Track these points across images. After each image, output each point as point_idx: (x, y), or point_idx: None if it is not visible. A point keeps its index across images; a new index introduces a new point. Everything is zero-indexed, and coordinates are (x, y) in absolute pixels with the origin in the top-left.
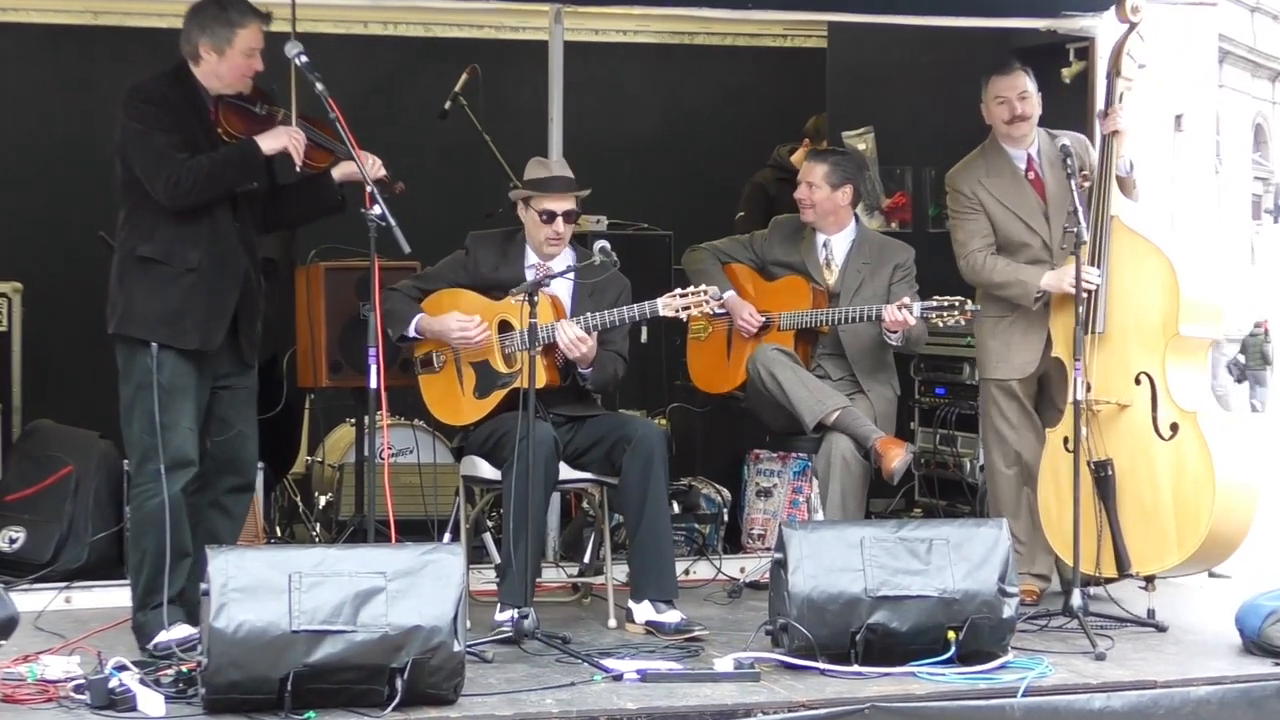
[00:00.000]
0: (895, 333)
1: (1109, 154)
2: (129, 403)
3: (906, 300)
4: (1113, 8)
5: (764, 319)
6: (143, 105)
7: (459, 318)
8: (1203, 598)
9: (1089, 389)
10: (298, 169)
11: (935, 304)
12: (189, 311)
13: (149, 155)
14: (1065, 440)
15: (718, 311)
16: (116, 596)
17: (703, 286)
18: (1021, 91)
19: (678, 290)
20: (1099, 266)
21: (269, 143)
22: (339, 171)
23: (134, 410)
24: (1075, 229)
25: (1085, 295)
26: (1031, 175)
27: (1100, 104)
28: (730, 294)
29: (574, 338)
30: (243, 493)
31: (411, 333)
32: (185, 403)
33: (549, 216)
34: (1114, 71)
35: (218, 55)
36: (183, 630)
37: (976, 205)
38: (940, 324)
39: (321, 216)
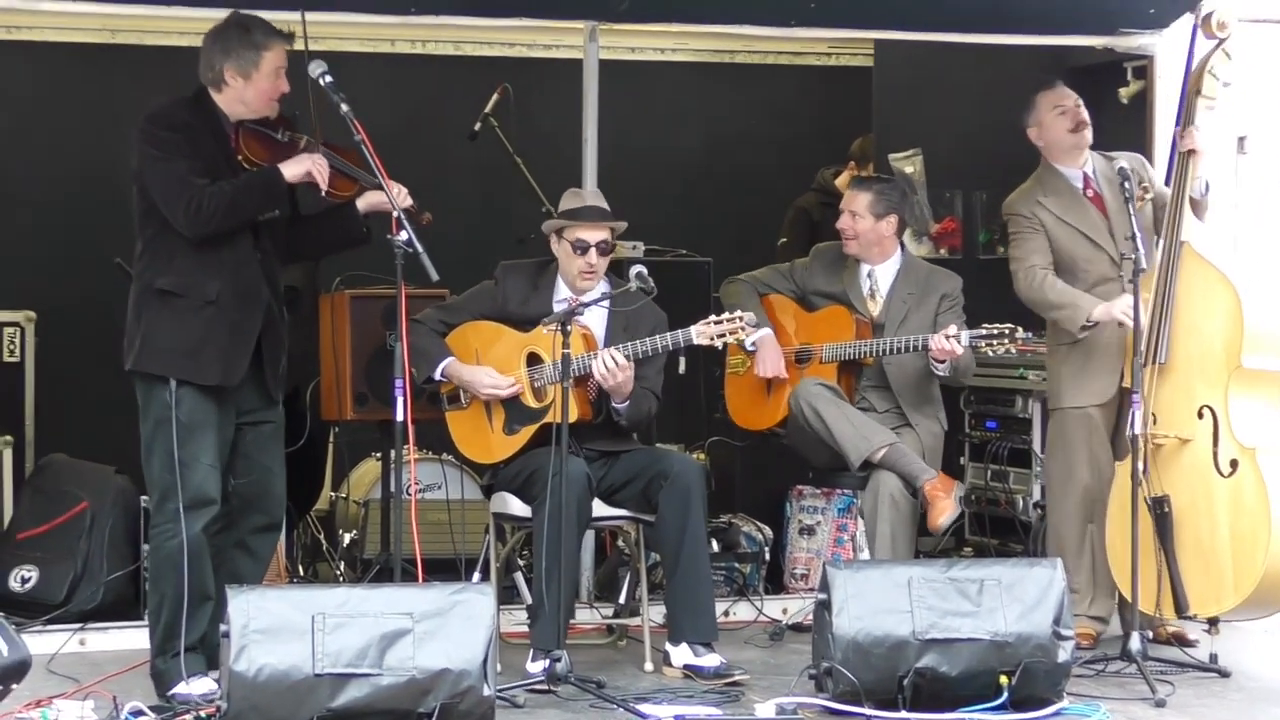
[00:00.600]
0: (942, 362)
1: (1183, 175)
2: (148, 440)
3: (954, 329)
4: (1196, 24)
5: (784, 376)
6: (161, 132)
7: (492, 376)
8: (1268, 642)
9: (1154, 421)
10: (323, 194)
11: (984, 332)
12: (209, 345)
13: (168, 182)
14: (1138, 475)
15: (749, 348)
16: (132, 638)
17: (738, 313)
18: (1076, 100)
19: (711, 317)
20: (1168, 293)
21: (292, 169)
22: (364, 202)
23: (153, 448)
24: (1134, 256)
25: (1145, 326)
26: (1090, 193)
27: (1164, 122)
28: (765, 332)
29: (615, 365)
30: (269, 533)
31: (438, 376)
32: (205, 439)
33: (582, 247)
34: (1194, 90)
35: (244, 80)
36: (203, 685)
37: (1037, 225)
38: (990, 353)
39: (345, 248)
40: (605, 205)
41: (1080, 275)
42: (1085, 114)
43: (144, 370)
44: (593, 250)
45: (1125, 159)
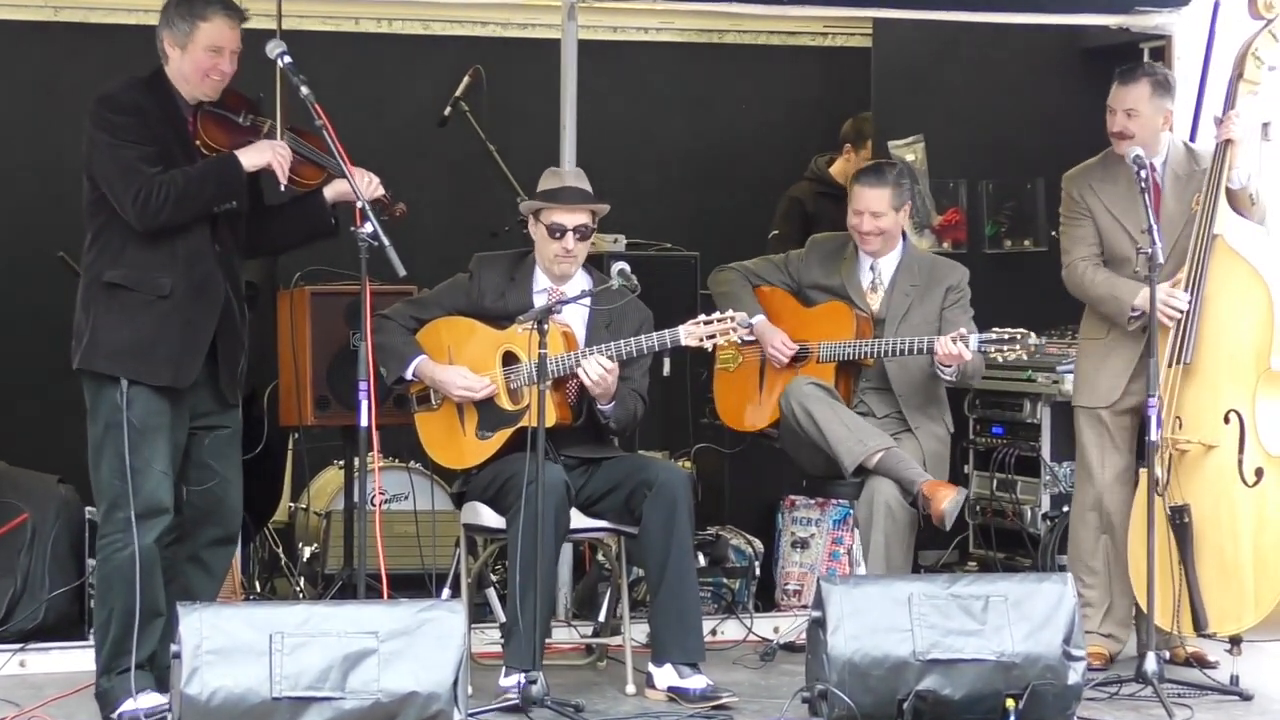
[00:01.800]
0: (949, 367)
1: (1219, 165)
2: (97, 444)
3: (963, 331)
4: (1218, 2)
5: (798, 348)
6: (112, 115)
7: (466, 376)
8: None
9: (1179, 425)
10: (282, 188)
11: (995, 337)
12: (160, 343)
13: (116, 169)
14: (1156, 482)
15: (747, 339)
16: (77, 659)
17: (729, 312)
18: (1129, 107)
19: (701, 317)
20: (1196, 287)
21: (251, 158)
22: (331, 190)
23: (102, 453)
24: (1149, 250)
25: (1173, 323)
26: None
27: (1184, 106)
28: (760, 319)
29: (605, 370)
30: (224, 545)
31: (409, 376)
32: (158, 444)
33: (558, 231)
34: (1237, 74)
35: (180, 51)
36: (151, 699)
37: (1084, 211)
38: (1000, 359)
39: (312, 240)
40: (587, 186)
41: (1117, 270)
42: (1130, 125)
43: (92, 369)
44: (569, 235)
45: (1206, 156)
